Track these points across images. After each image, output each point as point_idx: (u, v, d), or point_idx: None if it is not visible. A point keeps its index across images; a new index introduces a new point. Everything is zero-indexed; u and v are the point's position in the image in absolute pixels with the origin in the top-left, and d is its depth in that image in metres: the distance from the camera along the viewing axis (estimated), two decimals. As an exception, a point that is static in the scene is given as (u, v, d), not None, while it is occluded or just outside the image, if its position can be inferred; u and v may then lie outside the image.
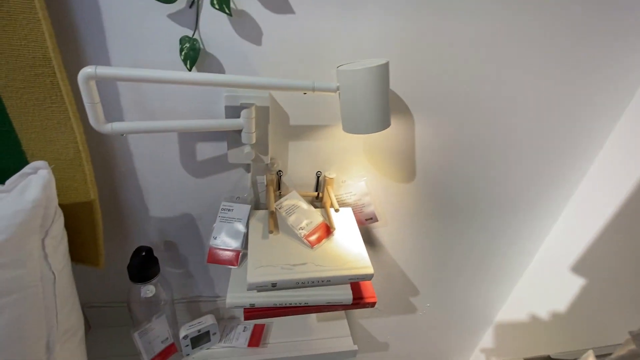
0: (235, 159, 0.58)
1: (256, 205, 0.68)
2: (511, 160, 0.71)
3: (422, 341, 1.05)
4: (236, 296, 0.55)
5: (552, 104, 0.65)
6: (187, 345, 0.71)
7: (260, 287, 0.52)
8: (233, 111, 0.53)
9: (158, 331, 0.66)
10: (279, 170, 0.64)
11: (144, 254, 0.63)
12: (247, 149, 0.56)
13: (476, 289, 0.94)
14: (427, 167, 0.69)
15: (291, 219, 0.60)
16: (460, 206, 0.76)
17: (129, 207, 0.64)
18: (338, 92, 0.49)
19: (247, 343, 0.76)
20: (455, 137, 0.66)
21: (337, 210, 0.59)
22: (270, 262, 0.54)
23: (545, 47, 0.58)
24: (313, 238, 0.59)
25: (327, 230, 0.61)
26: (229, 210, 0.63)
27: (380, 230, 0.77)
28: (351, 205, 0.69)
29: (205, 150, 0.60)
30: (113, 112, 0.54)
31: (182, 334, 0.70)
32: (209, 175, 0.63)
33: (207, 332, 0.73)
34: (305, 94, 0.49)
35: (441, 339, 1.06)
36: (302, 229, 0.59)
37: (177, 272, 0.74)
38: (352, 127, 0.51)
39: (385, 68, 0.47)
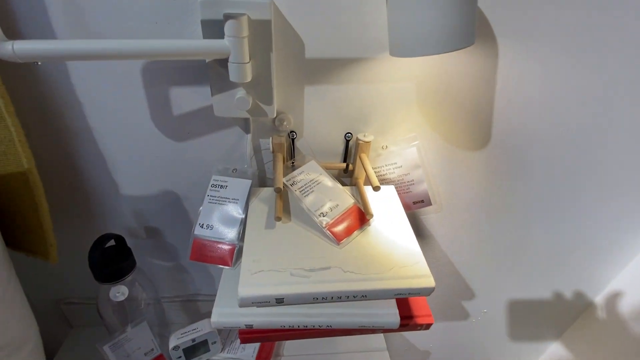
0: (223, 110, 0.39)
1: (261, 181, 0.49)
2: (626, 138, 0.47)
3: (471, 351, 0.86)
4: (226, 313, 0.37)
5: None
6: (180, 357, 0.56)
7: (260, 303, 0.34)
8: (213, 28, 0.33)
9: (138, 341, 0.51)
10: (292, 131, 0.45)
11: (113, 243, 0.48)
12: (239, 93, 0.37)
13: (550, 295, 0.72)
14: (507, 127, 0.47)
15: (308, 201, 0.41)
16: (548, 186, 0.53)
17: (93, 181, 0.47)
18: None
19: (255, 355, 0.60)
20: (558, 87, 0.43)
21: (376, 189, 0.39)
22: (275, 265, 0.36)
23: None
24: (340, 229, 0.39)
25: (361, 217, 0.41)
26: (221, 187, 0.44)
27: (431, 218, 0.56)
28: (394, 182, 0.49)
29: (184, 100, 0.41)
30: (36, 30, 0.36)
31: (171, 344, 0.55)
32: (192, 138, 0.45)
33: (205, 342, 0.57)
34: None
35: (496, 350, 0.86)
36: (323, 215, 0.40)
37: (166, 266, 0.58)
38: (408, 44, 0.29)
39: None
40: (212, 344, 0.58)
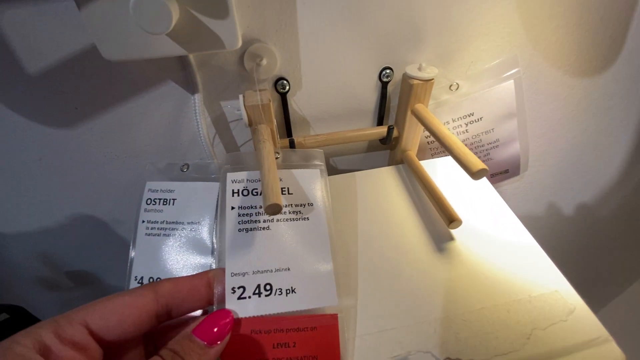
0: (118, 45, 0.17)
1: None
2: None
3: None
4: None
5: None
6: None
7: None
8: None
9: None
10: (280, 79, 0.23)
11: (7, 317, 0.28)
12: (140, -12, 0.15)
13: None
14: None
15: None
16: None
17: None
18: None
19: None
20: None
21: (480, 174, 0.18)
22: None
23: None
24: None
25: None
26: (164, 202, 0.24)
27: (506, 190, 0.38)
28: (469, 144, 0.29)
29: (40, 35, 0.19)
30: None
31: None
32: (94, 116, 0.23)
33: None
34: None
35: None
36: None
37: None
38: None
39: None
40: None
